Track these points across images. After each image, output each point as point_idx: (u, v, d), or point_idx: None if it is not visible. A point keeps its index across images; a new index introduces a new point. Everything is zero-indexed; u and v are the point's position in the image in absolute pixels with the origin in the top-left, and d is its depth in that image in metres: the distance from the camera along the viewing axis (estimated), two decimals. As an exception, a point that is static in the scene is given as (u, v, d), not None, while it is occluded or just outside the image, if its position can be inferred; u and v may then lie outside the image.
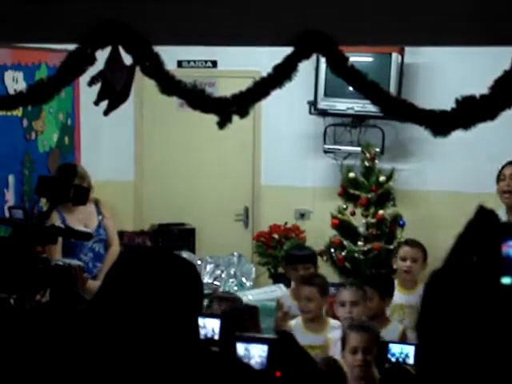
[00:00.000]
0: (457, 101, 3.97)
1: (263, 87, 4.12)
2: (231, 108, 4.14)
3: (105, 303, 2.03)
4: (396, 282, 5.20)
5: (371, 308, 4.76)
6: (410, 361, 3.04)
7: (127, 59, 4.36)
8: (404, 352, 3.02)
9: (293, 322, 4.91)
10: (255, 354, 2.27)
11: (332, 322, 4.88)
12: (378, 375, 4.01)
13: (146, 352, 1.95)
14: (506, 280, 0.95)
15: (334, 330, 4.69)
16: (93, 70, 4.35)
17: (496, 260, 0.91)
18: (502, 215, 5.57)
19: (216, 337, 2.92)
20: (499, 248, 0.94)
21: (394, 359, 3.03)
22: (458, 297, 0.90)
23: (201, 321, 2.83)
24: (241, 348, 2.30)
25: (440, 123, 3.99)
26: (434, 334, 0.84)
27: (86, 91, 4.72)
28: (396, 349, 3.04)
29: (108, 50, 4.32)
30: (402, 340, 4.35)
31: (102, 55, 4.34)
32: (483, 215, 0.87)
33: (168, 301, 2.00)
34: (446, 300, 0.87)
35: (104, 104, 4.42)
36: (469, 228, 0.88)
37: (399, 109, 4.08)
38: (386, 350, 3.04)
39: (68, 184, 3.72)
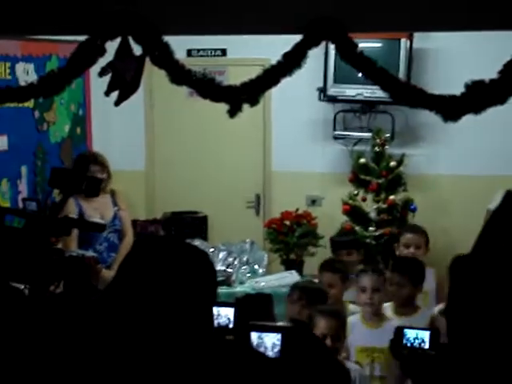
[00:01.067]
0: (466, 85, 3.97)
1: (273, 75, 4.12)
2: (241, 96, 4.15)
3: (119, 293, 2.05)
4: None
5: (402, 295, 4.76)
6: (426, 346, 3.05)
7: (137, 49, 4.37)
8: (419, 337, 3.03)
9: None
10: (269, 342, 2.29)
11: (351, 307, 4.89)
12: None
13: (161, 341, 1.97)
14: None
15: (352, 316, 4.71)
16: (103, 61, 4.37)
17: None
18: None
19: (231, 325, 2.94)
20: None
21: (409, 344, 3.04)
22: (488, 282, 0.91)
23: (215, 309, 2.85)
24: (255, 337, 2.32)
25: (450, 108, 3.99)
26: (464, 320, 0.85)
27: (97, 82, 4.74)
28: (411, 334, 3.05)
29: (118, 40, 4.34)
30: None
31: (112, 46, 4.36)
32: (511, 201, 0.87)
33: (182, 290, 2.01)
34: (477, 286, 0.87)
35: (115, 94, 4.44)
36: (497, 214, 0.89)
37: (409, 94, 4.09)
38: (401, 336, 3.05)
39: (81, 176, 3.74)
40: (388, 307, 4.78)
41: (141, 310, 1.98)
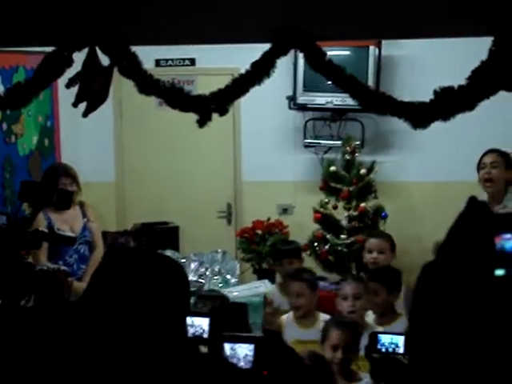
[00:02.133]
0: (435, 92, 3.99)
1: (242, 84, 4.12)
2: (210, 106, 4.14)
3: (91, 305, 2.03)
4: None
5: (379, 303, 4.76)
6: (400, 350, 3.05)
7: (105, 60, 4.35)
8: (394, 342, 3.03)
9: (284, 318, 4.93)
10: (242, 353, 2.27)
11: (322, 315, 4.89)
12: (359, 368, 4.04)
13: (134, 353, 1.95)
14: (499, 272, 0.96)
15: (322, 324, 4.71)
16: (71, 72, 4.34)
17: (489, 252, 0.92)
18: (485, 203, 5.60)
19: (205, 335, 2.92)
20: (492, 240, 0.95)
21: (383, 349, 3.04)
22: (452, 289, 0.91)
23: (189, 319, 2.83)
24: (228, 348, 2.31)
25: (419, 115, 4.01)
26: (427, 326, 0.85)
27: (65, 93, 4.71)
28: (386, 339, 3.05)
29: (85, 51, 4.31)
30: None
31: (80, 57, 4.33)
32: (475, 207, 0.87)
33: (155, 301, 2.00)
34: (440, 292, 0.87)
35: (83, 105, 4.41)
36: (461, 220, 0.89)
37: (378, 102, 4.10)
38: (375, 341, 3.05)
39: (51, 188, 3.71)
40: (370, 315, 4.78)
41: (113, 321, 1.97)
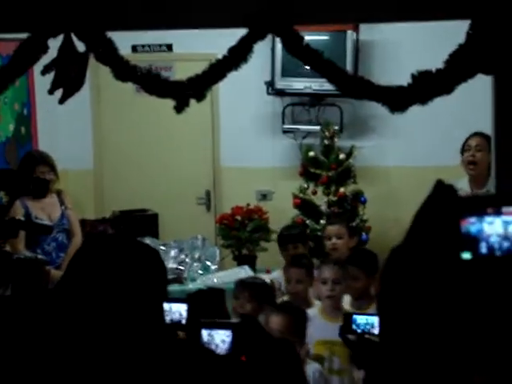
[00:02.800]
0: (413, 76, 3.99)
1: (219, 70, 4.10)
2: (187, 92, 4.12)
3: (68, 292, 2.02)
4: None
5: (358, 288, 4.77)
6: (375, 331, 3.04)
7: (80, 46, 4.32)
8: (369, 322, 3.03)
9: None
10: (219, 339, 2.27)
11: (317, 302, 4.88)
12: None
13: (111, 338, 1.95)
14: (465, 255, 0.96)
15: (310, 309, 4.71)
16: (46, 59, 4.31)
17: (455, 235, 0.92)
18: (465, 186, 5.62)
19: (183, 321, 2.91)
20: (458, 223, 0.95)
21: (359, 330, 3.03)
22: (418, 272, 0.91)
23: (167, 305, 2.82)
24: (205, 334, 2.30)
25: (397, 99, 4.00)
26: (395, 309, 0.84)
27: (41, 80, 4.67)
28: (361, 320, 3.04)
29: (61, 37, 4.27)
30: None
31: (55, 43, 4.29)
32: (441, 190, 0.86)
33: (132, 287, 1.99)
34: (406, 276, 0.87)
35: (59, 92, 4.38)
36: (427, 203, 0.88)
37: (356, 86, 4.09)
38: (350, 322, 3.05)
39: (28, 177, 3.69)
40: (345, 300, 4.78)
41: (90, 308, 1.96)
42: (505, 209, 0.99)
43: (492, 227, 0.98)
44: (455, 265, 0.91)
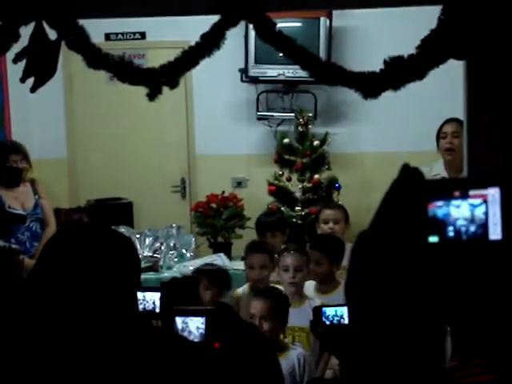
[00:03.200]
0: (385, 62, 3.99)
1: (192, 57, 4.08)
2: (160, 79, 4.10)
3: (40, 280, 2.01)
4: None
5: (321, 272, 4.79)
6: (346, 321, 3.04)
7: (52, 34, 4.28)
8: (339, 314, 3.03)
9: (239, 291, 4.92)
10: (193, 326, 2.27)
11: (278, 287, 4.91)
12: (294, 339, 4.07)
13: (84, 327, 1.94)
14: (432, 239, 0.96)
15: None
16: (18, 47, 4.27)
17: (422, 219, 0.92)
18: (441, 171, 5.63)
19: (157, 309, 2.91)
20: (425, 207, 0.95)
21: (328, 322, 3.03)
22: (385, 256, 0.91)
23: (141, 294, 2.82)
24: (179, 321, 2.30)
25: (369, 85, 4.00)
26: (363, 294, 0.85)
27: (13, 68, 4.63)
28: (330, 311, 3.04)
29: (32, 25, 4.24)
30: None
31: (26, 31, 4.25)
32: (408, 174, 0.87)
33: (104, 276, 1.99)
34: (373, 261, 0.87)
35: (31, 81, 4.34)
36: (394, 187, 0.88)
37: (328, 72, 4.08)
38: (320, 315, 3.05)
39: (0, 166, 3.66)
40: (309, 286, 4.80)
41: (62, 296, 1.95)
42: (472, 192, 0.99)
43: (459, 211, 0.98)
44: (422, 248, 0.92)
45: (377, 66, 4.10)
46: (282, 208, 6.73)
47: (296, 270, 4.61)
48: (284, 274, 4.64)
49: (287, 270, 4.63)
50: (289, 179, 6.87)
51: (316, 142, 6.80)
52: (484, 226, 1.00)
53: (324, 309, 3.08)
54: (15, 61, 4.24)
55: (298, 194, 6.78)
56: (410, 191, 0.88)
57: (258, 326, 3.78)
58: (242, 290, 4.96)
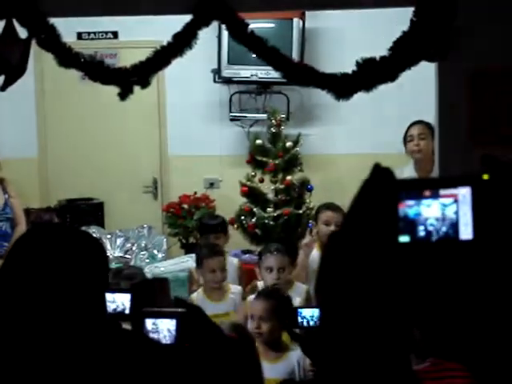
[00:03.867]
0: (357, 63, 4.00)
1: (163, 56, 4.08)
2: (131, 78, 4.09)
3: (7, 281, 1.99)
4: (317, 244, 5.23)
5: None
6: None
7: (22, 32, 4.25)
8: (315, 315, 3.02)
9: (194, 295, 4.91)
10: (164, 328, 2.25)
11: (232, 287, 4.93)
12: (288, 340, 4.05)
13: (51, 328, 1.92)
14: (403, 238, 0.95)
15: (233, 296, 4.82)
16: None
17: (393, 219, 0.91)
18: (411, 173, 5.64)
19: (127, 311, 2.89)
20: (396, 206, 0.94)
21: (305, 323, 3.02)
22: (356, 257, 0.90)
23: (110, 296, 2.79)
24: (149, 323, 2.28)
25: (341, 86, 4.01)
26: (332, 296, 0.84)
27: (-18, 67, 4.59)
28: (306, 312, 3.03)
29: (2, 23, 4.21)
30: (308, 299, 4.60)
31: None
32: (379, 174, 0.86)
33: (72, 277, 1.97)
34: (344, 261, 0.86)
35: (1, 79, 4.31)
36: (365, 187, 0.87)
37: (301, 73, 4.09)
38: (295, 316, 3.03)
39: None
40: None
41: (30, 296, 1.93)
42: (442, 191, 0.99)
43: (430, 210, 0.98)
44: (393, 248, 0.91)
45: (349, 67, 4.11)
46: (255, 209, 6.72)
47: (279, 270, 4.63)
48: (267, 274, 4.66)
49: (271, 271, 4.64)
50: (261, 180, 6.85)
51: (289, 143, 6.79)
52: (455, 225, 1.00)
53: (300, 310, 3.07)
54: (-15, 59, 4.21)
55: (270, 196, 6.76)
56: (381, 191, 0.87)
57: (257, 327, 3.79)
58: (196, 294, 4.93)
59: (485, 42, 4.09)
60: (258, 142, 6.87)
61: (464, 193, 1.00)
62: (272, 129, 6.86)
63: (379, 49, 4.08)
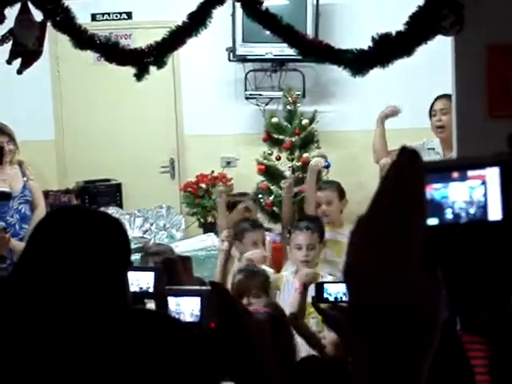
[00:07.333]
0: (373, 39, 3.98)
1: (179, 36, 4.07)
2: (147, 59, 4.08)
3: (30, 263, 2.00)
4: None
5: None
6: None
7: (38, 15, 4.25)
8: (340, 290, 3.02)
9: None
10: (187, 307, 2.26)
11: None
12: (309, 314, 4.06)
13: (75, 310, 1.93)
14: (431, 221, 0.95)
15: (285, 272, 4.80)
16: (3, 29, 4.24)
17: (421, 201, 0.91)
18: (437, 147, 5.62)
19: (151, 289, 2.91)
20: (423, 189, 0.94)
21: (331, 298, 3.03)
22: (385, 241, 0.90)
23: (134, 274, 2.81)
24: (172, 302, 2.29)
25: (357, 62, 3.99)
26: (362, 280, 0.84)
27: (-1, 50, 4.60)
28: (332, 288, 3.04)
29: (17, 6, 4.21)
30: None
31: (12, 13, 4.22)
32: (406, 156, 0.86)
33: (94, 258, 1.98)
34: (371, 245, 0.86)
35: (17, 62, 4.32)
36: (391, 170, 0.87)
37: (316, 50, 4.07)
38: (322, 291, 3.05)
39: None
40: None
41: (53, 279, 1.94)
42: (470, 173, 0.98)
43: (457, 193, 0.97)
44: (424, 231, 0.91)
45: (364, 42, 4.09)
46: (272, 187, 6.73)
47: (309, 247, 4.63)
48: (297, 252, 4.65)
49: (300, 249, 4.64)
50: (278, 158, 6.85)
51: (305, 121, 6.79)
52: (483, 207, 0.99)
53: (325, 285, 3.08)
54: (1, 42, 4.23)
55: (287, 173, 6.77)
56: (408, 174, 0.87)
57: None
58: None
59: (500, 15, 4.06)
60: (274, 119, 6.87)
61: (492, 173, 1.00)
62: (288, 106, 6.85)
63: (394, 24, 4.06)
